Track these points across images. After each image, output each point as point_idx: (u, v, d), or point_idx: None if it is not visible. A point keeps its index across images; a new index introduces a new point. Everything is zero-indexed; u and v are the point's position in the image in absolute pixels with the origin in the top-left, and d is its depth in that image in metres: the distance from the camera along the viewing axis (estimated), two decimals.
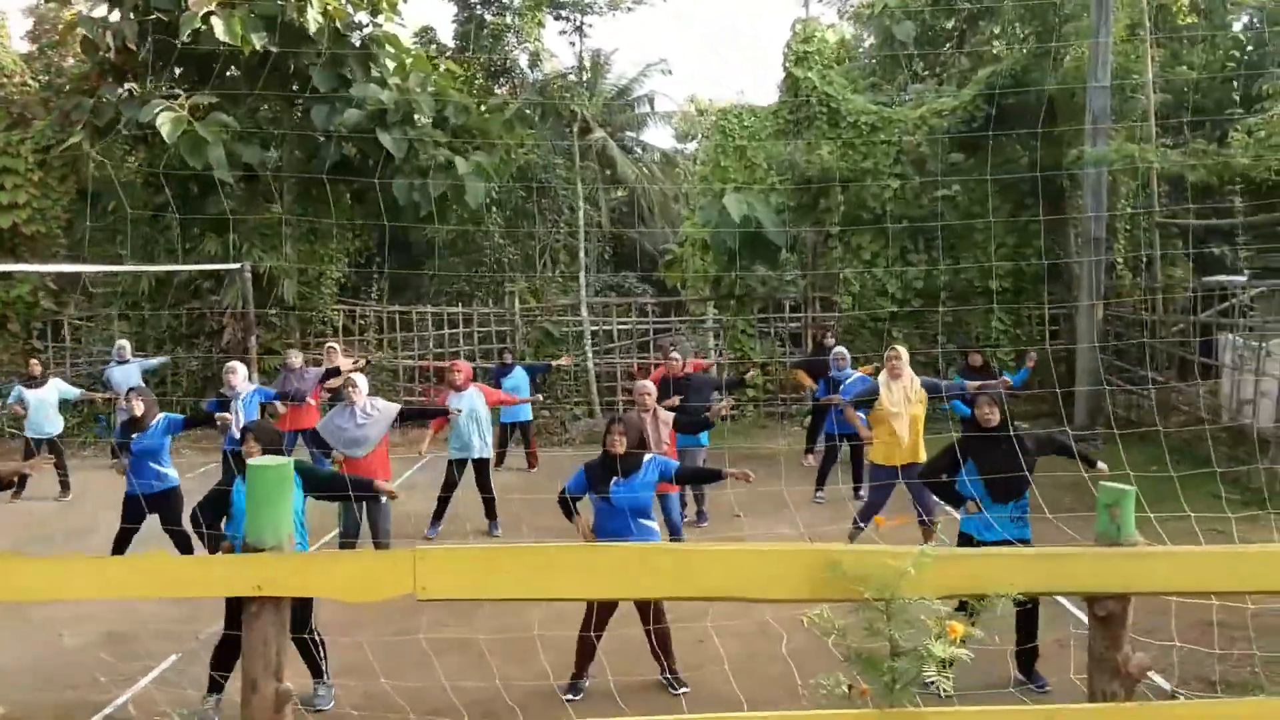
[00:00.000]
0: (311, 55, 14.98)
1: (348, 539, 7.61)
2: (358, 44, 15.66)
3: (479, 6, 20.68)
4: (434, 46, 21.15)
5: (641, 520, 5.64)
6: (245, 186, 15.88)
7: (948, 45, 18.19)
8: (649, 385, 7.77)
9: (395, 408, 7.88)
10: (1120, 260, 13.19)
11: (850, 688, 2.76)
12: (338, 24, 15.07)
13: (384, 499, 7.25)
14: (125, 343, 12.54)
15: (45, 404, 10.67)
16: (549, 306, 16.16)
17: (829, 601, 2.81)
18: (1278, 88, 11.47)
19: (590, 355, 15.67)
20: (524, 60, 20.78)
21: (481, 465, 9.03)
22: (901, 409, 7.54)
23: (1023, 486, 5.61)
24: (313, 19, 13.96)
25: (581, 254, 16.03)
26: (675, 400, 8.66)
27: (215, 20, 13.47)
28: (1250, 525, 8.70)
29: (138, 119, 14.03)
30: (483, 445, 8.92)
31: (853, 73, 22.49)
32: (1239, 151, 10.10)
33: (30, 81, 17.46)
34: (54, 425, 10.86)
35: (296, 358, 11.35)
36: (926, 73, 19.08)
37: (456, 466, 8.92)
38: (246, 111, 15.17)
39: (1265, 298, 10.77)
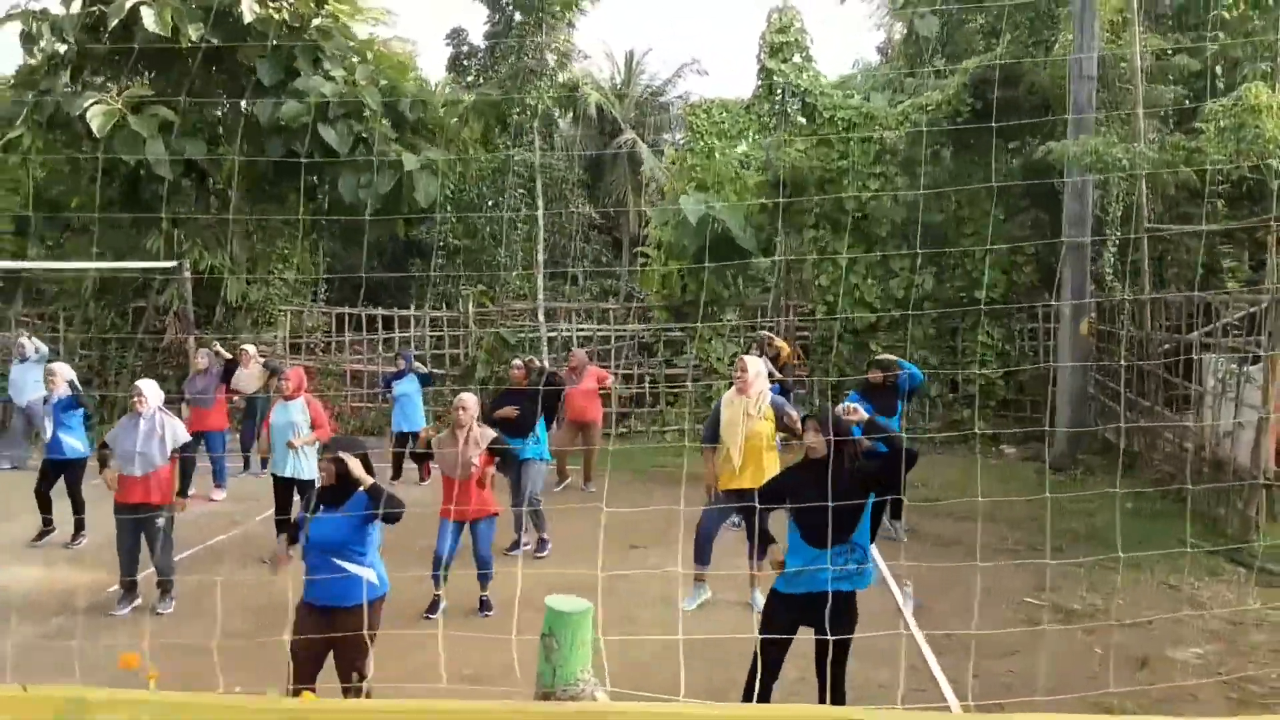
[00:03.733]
0: (259, 48, 14.35)
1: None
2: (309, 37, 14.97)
3: (509, 6, 19.89)
4: (465, 48, 21.26)
5: (336, 560, 4.72)
6: (194, 183, 15.31)
7: (938, 49, 16.97)
8: (466, 398, 6.91)
9: (184, 436, 7.10)
10: (1110, 271, 12.00)
11: None
12: (285, 16, 14.40)
13: (159, 521, 6.72)
14: (25, 341, 11.96)
15: None
16: (504, 310, 15.30)
17: None
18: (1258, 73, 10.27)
19: (547, 361, 14.77)
20: (552, 61, 20.07)
21: (305, 487, 7.90)
22: (738, 427, 6.73)
23: (850, 529, 4.61)
24: (248, 9, 13.28)
25: (538, 253, 15.14)
26: (512, 411, 7.95)
27: (145, 10, 12.86)
28: (1213, 578, 7.58)
29: (68, 112, 13.47)
30: (297, 465, 7.92)
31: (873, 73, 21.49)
32: (1208, 142, 8.97)
33: None
34: None
35: (204, 358, 10.88)
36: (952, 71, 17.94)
37: (283, 487, 8.02)
38: (192, 106, 14.56)
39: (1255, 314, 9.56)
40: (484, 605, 7.00)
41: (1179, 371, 9.86)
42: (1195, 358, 9.82)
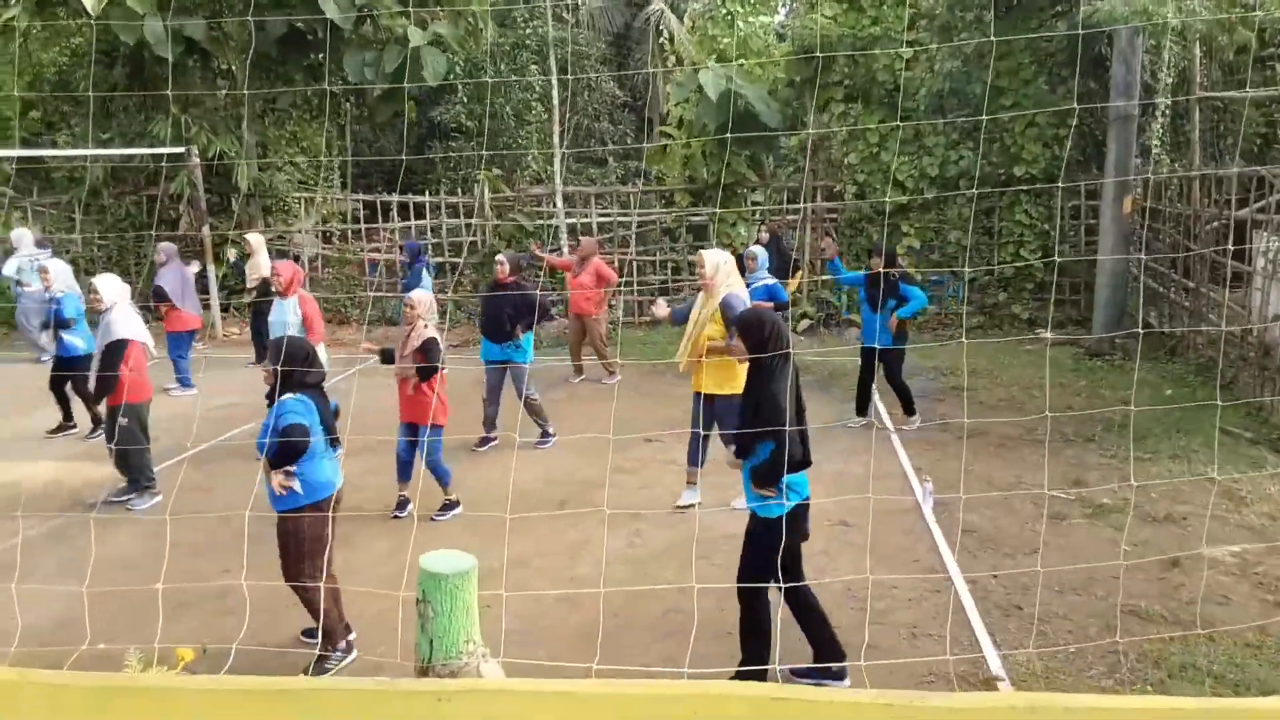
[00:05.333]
0: None
1: None
2: None
3: None
4: None
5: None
6: (197, 64, 14.73)
7: None
8: (414, 295, 6.63)
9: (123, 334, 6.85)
10: (1158, 144, 11.19)
11: None
12: None
13: (121, 420, 6.71)
14: (24, 231, 11.77)
15: None
16: (520, 195, 14.77)
17: None
18: None
19: (565, 250, 14.36)
20: None
21: None
22: (690, 327, 6.47)
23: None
24: None
25: (556, 138, 14.49)
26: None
27: None
28: (1255, 470, 7.20)
29: None
30: None
31: None
32: None
33: None
34: None
35: (162, 254, 10.57)
36: None
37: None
38: None
39: None
40: (445, 507, 6.83)
41: (1228, 251, 9.24)
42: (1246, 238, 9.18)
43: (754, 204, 14.51)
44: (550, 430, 8.47)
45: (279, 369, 4.61)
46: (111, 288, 6.97)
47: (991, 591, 5.47)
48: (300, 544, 4.62)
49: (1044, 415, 8.19)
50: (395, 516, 6.75)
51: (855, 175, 13.82)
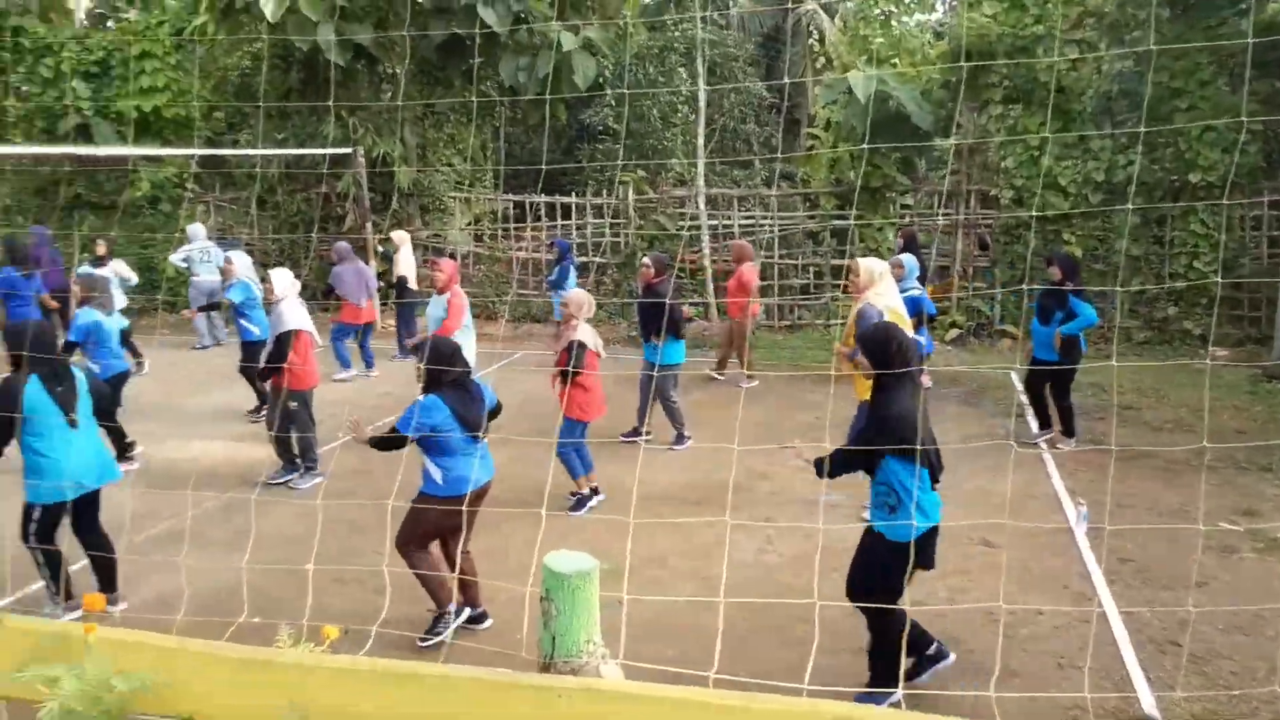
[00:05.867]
0: None
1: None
2: None
3: None
4: None
5: (420, 452, 4.98)
6: (364, 68, 15.52)
7: None
8: (571, 295, 6.81)
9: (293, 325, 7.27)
10: None
11: None
12: None
13: (293, 404, 7.25)
14: (199, 226, 12.72)
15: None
16: (663, 197, 14.87)
17: None
18: None
19: (707, 252, 14.37)
20: None
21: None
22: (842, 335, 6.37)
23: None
24: None
25: (700, 138, 14.50)
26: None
27: None
28: None
29: None
30: None
31: None
32: None
33: None
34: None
35: (335, 253, 11.18)
36: None
37: None
38: None
39: None
40: (578, 501, 6.95)
41: None
42: None
43: (903, 208, 14.12)
44: (686, 434, 8.50)
45: (425, 366, 4.82)
46: (284, 281, 7.44)
47: (1147, 625, 5.13)
48: (417, 525, 4.90)
49: (1206, 441, 7.62)
50: (572, 514, 6.88)
51: (1013, 180, 13.22)
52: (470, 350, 8.15)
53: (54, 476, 5.15)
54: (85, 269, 10.77)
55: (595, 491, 7.06)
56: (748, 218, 14.77)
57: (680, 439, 8.49)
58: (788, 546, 6.28)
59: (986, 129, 13.33)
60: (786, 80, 19.67)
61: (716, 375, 10.96)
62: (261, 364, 7.62)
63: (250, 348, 9.31)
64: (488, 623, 5.17)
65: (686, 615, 5.31)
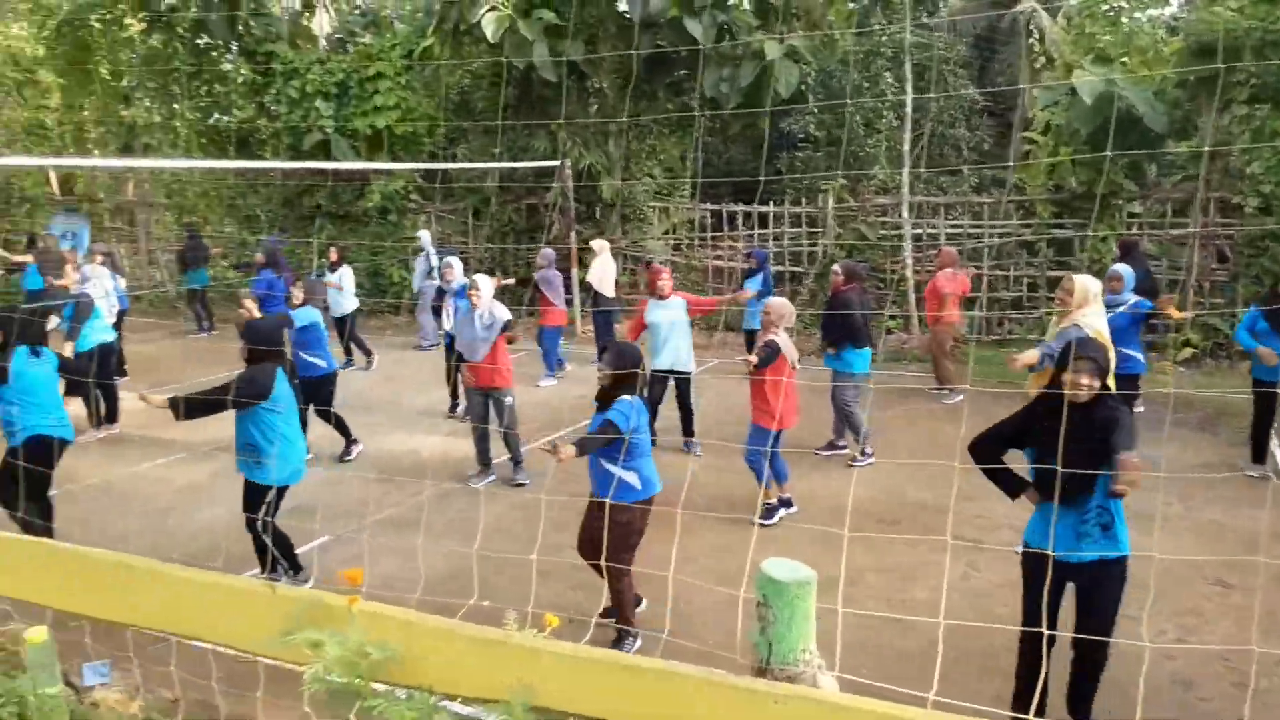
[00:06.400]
0: None
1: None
2: None
3: None
4: None
5: (603, 462, 5.01)
6: (574, 84, 16.14)
7: None
8: (773, 302, 6.79)
9: (505, 315, 7.70)
10: None
11: None
12: None
13: (508, 398, 7.69)
14: (424, 233, 13.61)
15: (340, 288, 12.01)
16: (865, 205, 14.54)
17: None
18: None
19: (909, 263, 13.95)
20: None
21: (683, 380, 8.52)
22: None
23: (1091, 483, 3.81)
24: None
25: (906, 145, 14.08)
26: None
27: None
28: None
29: (467, 20, 14.70)
30: (678, 359, 8.40)
31: None
32: None
33: None
34: (346, 306, 12.11)
35: (541, 258, 11.72)
36: None
37: (659, 380, 8.40)
38: (566, 3, 15.23)
39: None
40: (767, 511, 6.93)
41: None
42: None
43: (1130, 216, 13.16)
44: (868, 449, 8.27)
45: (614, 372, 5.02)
46: (488, 286, 7.89)
47: None
48: (628, 535, 4.97)
49: None
50: (762, 523, 6.87)
51: (1259, 186, 12.03)
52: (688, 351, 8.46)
53: (295, 461, 5.71)
54: (311, 276, 11.88)
55: (786, 503, 7.02)
56: (954, 226, 14.22)
57: (863, 455, 8.27)
58: (995, 572, 6.00)
59: (1229, 131, 12.21)
60: (1009, 88, 18.76)
61: (937, 391, 10.57)
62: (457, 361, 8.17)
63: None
64: (644, 604, 5.40)
65: (883, 634, 5.19)
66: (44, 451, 5.97)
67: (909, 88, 13.78)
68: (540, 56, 14.60)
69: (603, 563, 4.79)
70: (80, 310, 9.08)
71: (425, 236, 13.90)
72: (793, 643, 1.72)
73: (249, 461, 5.60)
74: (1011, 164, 16.46)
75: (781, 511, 6.98)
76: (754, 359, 6.60)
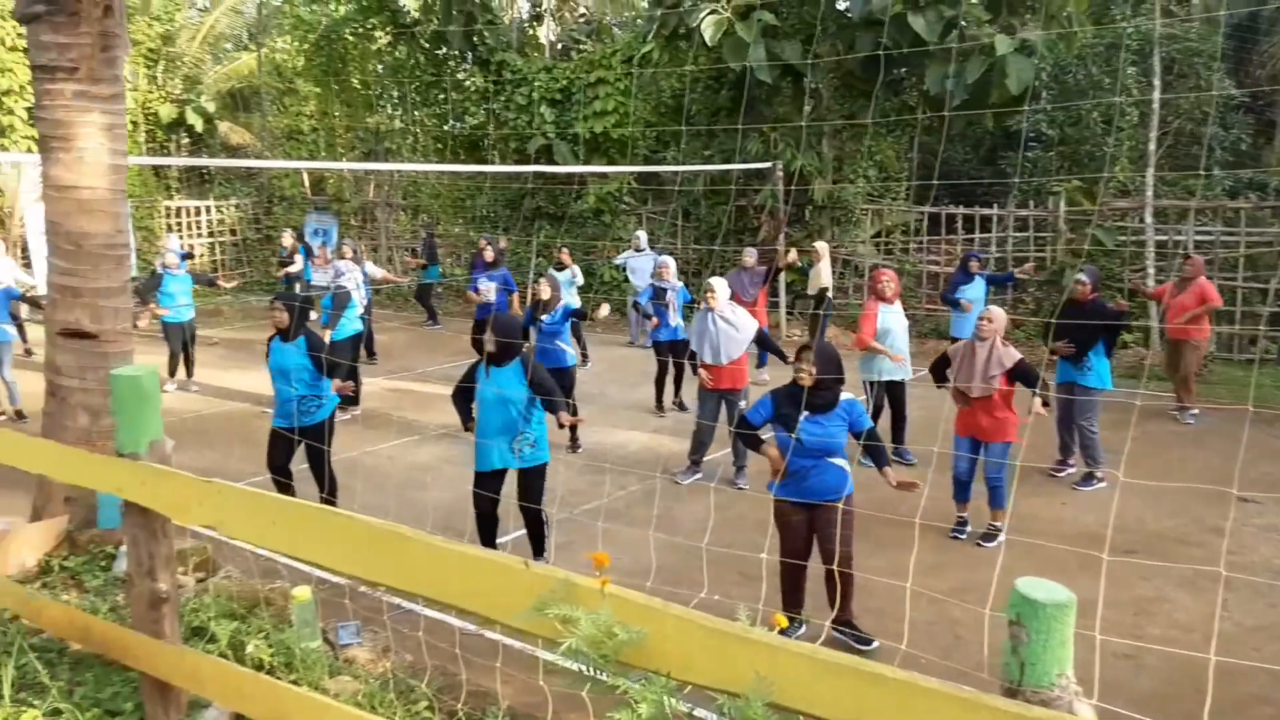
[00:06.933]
0: None
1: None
2: None
3: None
4: None
5: (830, 460, 4.99)
6: (789, 84, 16.02)
7: None
8: (992, 311, 6.44)
9: (753, 325, 7.66)
10: None
11: None
12: None
13: (742, 401, 7.74)
14: (641, 233, 13.88)
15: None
16: (1103, 209, 13.55)
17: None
18: None
19: (1152, 270, 12.90)
20: None
21: (899, 386, 8.35)
22: None
23: None
24: None
25: (1152, 144, 13.00)
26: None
27: None
28: None
29: (687, 24, 14.92)
30: (894, 367, 8.21)
31: None
32: None
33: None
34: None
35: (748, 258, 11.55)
36: None
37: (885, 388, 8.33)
38: (790, 7, 15.14)
39: None
40: (990, 533, 6.60)
41: None
42: None
43: None
44: (1099, 474, 7.69)
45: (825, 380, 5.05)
46: (725, 287, 7.99)
47: None
48: (851, 531, 5.03)
49: None
50: (954, 536, 6.68)
51: None
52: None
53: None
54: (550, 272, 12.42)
55: (963, 522, 6.71)
56: (1203, 233, 13.01)
57: (1090, 478, 7.70)
58: (1248, 614, 5.46)
59: None
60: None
61: (1178, 411, 9.76)
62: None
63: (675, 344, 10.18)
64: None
65: (1114, 671, 4.84)
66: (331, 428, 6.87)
67: (1157, 82, 12.74)
68: (757, 60, 14.60)
69: (835, 567, 4.91)
70: (338, 300, 10.00)
71: (642, 236, 14.24)
72: (1048, 666, 1.65)
73: (522, 448, 5.75)
74: (1274, 166, 14.85)
75: (967, 529, 6.69)
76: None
